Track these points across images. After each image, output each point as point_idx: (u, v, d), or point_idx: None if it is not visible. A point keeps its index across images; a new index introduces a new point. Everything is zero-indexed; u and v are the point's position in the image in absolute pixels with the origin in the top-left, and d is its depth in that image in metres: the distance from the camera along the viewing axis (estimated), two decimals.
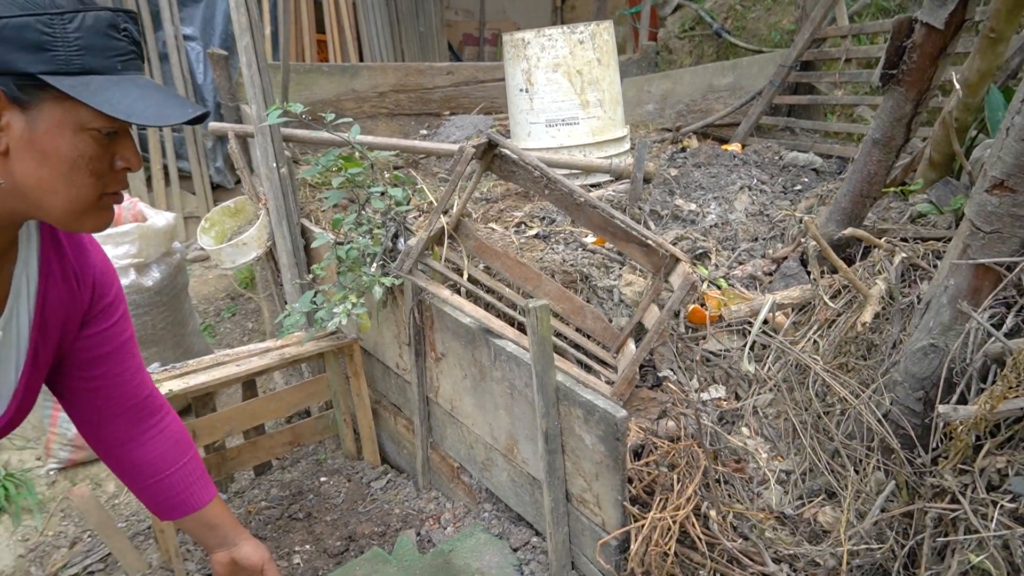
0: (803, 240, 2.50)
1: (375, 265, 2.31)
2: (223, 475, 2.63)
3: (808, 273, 2.38)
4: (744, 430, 2.05)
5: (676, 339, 2.29)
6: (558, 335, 2.23)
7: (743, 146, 3.65)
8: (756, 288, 2.50)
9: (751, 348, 2.23)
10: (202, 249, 4.92)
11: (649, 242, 2.18)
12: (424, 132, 4.47)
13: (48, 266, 1.12)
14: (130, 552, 2.50)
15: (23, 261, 1.09)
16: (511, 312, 2.26)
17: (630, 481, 1.81)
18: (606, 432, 1.71)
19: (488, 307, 2.23)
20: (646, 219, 2.82)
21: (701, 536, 1.74)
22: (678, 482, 1.79)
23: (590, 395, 1.76)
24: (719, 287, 2.47)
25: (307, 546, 2.34)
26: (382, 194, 2.38)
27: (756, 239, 2.74)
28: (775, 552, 1.70)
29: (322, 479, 2.69)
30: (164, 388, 2.30)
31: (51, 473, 3.11)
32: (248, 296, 4.21)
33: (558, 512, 1.93)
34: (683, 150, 3.53)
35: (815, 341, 2.15)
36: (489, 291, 2.32)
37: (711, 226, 2.78)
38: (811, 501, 1.83)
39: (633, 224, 2.16)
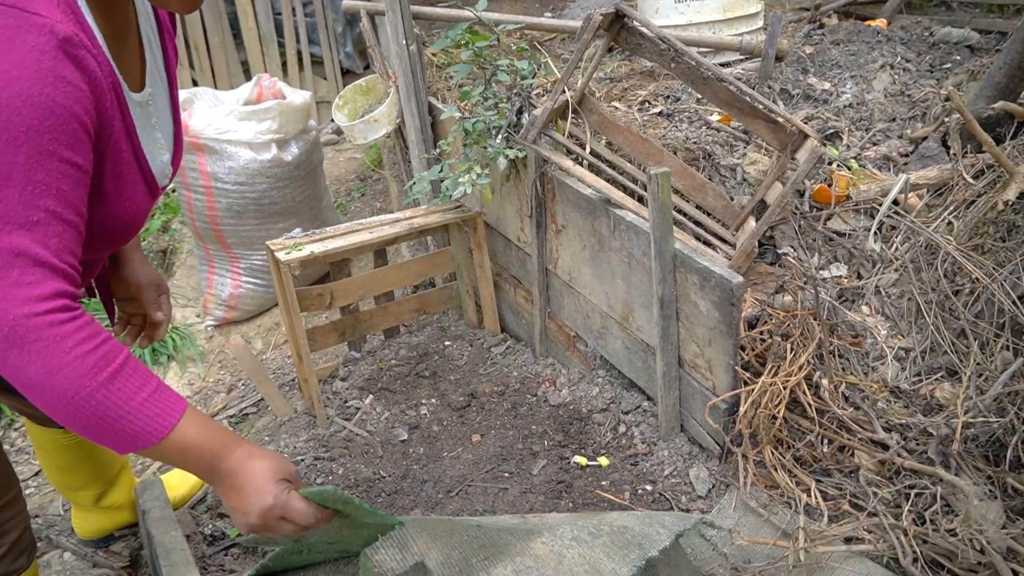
0: (946, 119, 2.36)
1: (500, 137, 2.37)
2: (357, 335, 2.86)
3: (948, 151, 2.26)
4: (864, 308, 2.03)
5: (799, 217, 2.26)
6: (678, 211, 2.25)
7: (888, 23, 3.39)
8: (890, 170, 2.40)
9: (879, 228, 2.17)
10: (334, 133, 5.15)
11: (777, 118, 2.13)
12: (548, 15, 4.40)
13: (159, 19, 1.34)
14: (278, 398, 2.80)
15: (144, 26, 1.29)
16: (632, 186, 2.29)
17: (742, 348, 1.85)
18: (721, 298, 1.75)
19: (610, 181, 2.26)
20: (775, 98, 2.73)
21: (812, 403, 1.78)
22: (791, 351, 1.82)
23: (707, 262, 1.79)
24: (849, 168, 2.39)
25: (433, 400, 2.55)
26: (508, 73, 2.42)
27: (894, 119, 2.60)
28: (886, 422, 1.73)
29: (446, 343, 2.88)
30: (306, 250, 2.50)
31: (208, 329, 3.48)
32: (377, 176, 4.40)
33: (670, 376, 2.01)
34: (820, 27, 3.33)
35: (950, 222, 2.07)
36: (611, 165, 2.35)
37: (845, 106, 2.65)
38: (929, 378, 1.82)
39: (761, 98, 2.11)
